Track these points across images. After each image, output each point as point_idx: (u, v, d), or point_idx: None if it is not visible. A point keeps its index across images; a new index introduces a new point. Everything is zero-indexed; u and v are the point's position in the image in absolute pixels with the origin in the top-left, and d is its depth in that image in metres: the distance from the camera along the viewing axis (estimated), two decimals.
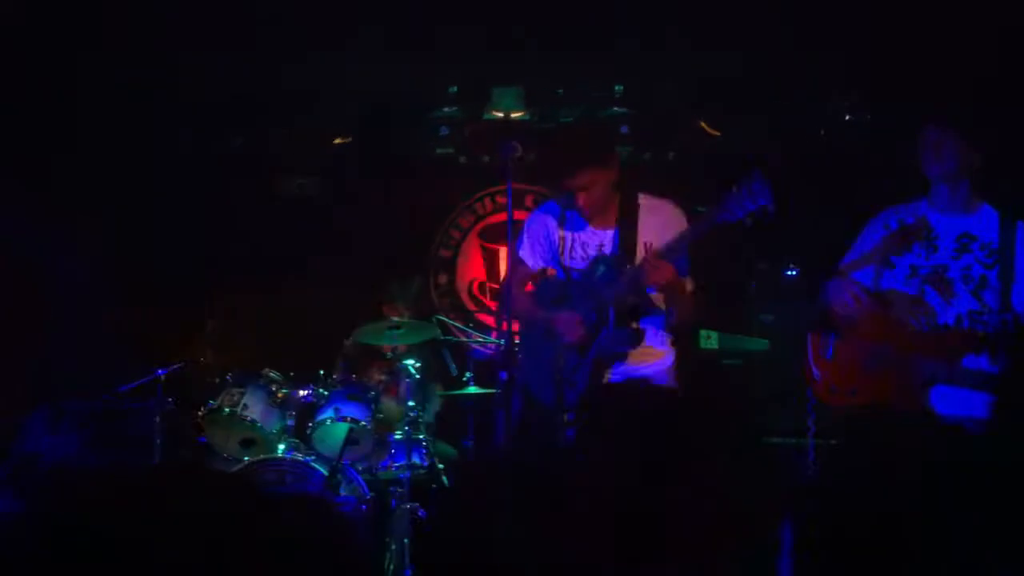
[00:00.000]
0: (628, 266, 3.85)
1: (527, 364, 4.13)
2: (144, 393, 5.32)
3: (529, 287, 4.33)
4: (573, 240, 4.08)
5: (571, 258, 4.07)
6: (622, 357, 3.88)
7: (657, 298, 3.96)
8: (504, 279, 4.44)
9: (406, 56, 6.25)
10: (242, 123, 6.97)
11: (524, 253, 4.25)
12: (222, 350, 5.80)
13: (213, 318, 5.66)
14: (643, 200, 4.05)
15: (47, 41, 5.22)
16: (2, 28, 4.97)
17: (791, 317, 5.35)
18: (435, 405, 6.06)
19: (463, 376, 5.91)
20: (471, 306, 7.55)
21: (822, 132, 6.67)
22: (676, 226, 3.91)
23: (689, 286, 3.92)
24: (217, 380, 5.57)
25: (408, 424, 5.35)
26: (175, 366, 5.47)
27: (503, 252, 7.49)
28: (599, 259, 3.98)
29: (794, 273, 6.19)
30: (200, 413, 5.38)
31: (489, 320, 7.42)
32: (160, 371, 5.34)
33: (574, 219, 4.08)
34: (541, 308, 4.09)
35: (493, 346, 6.76)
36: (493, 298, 7.54)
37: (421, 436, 5.42)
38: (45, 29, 5.14)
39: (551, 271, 4.21)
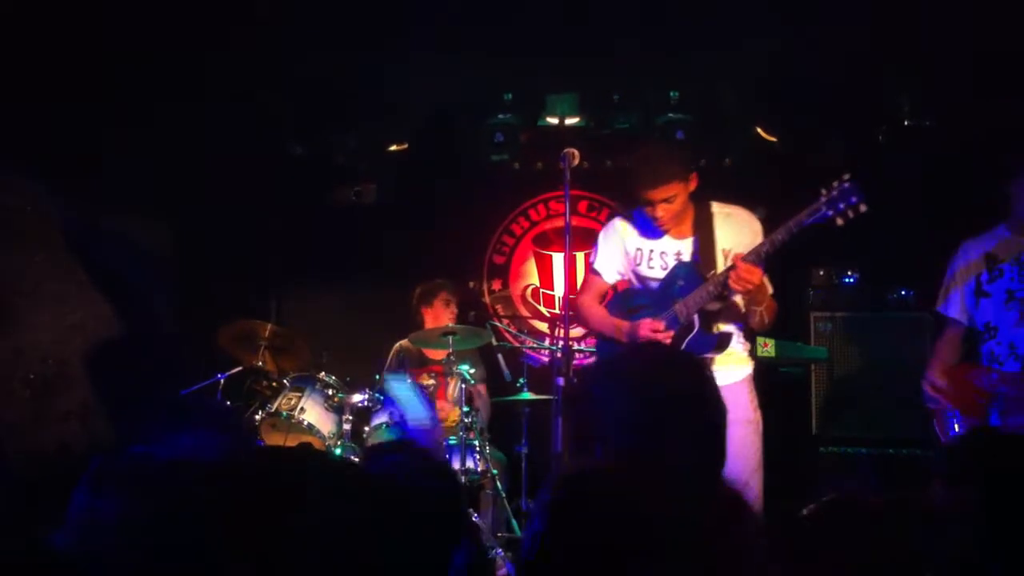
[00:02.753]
0: (711, 272, 3.87)
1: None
2: (205, 397, 5.40)
3: (607, 296, 4.36)
4: (651, 250, 4.10)
5: (649, 268, 4.09)
6: (708, 363, 3.86)
7: (735, 304, 3.97)
8: (576, 291, 4.44)
9: (461, 63, 6.27)
10: (300, 130, 7.04)
11: (599, 265, 4.26)
12: (280, 354, 5.86)
13: (272, 323, 5.70)
14: (716, 208, 4.06)
15: (100, 40, 5.29)
16: (42, 28, 5.05)
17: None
18: (485, 411, 6.08)
19: (516, 382, 5.91)
20: (524, 312, 7.55)
21: (880, 138, 6.57)
22: (750, 231, 3.96)
23: (770, 289, 3.92)
24: (275, 384, 5.64)
25: (462, 429, 5.37)
26: (234, 370, 5.55)
27: (557, 258, 7.50)
28: (679, 266, 4.00)
29: (852, 280, 6.11)
30: (258, 417, 5.45)
31: (543, 326, 7.42)
32: (220, 375, 5.43)
33: (650, 229, 4.09)
34: (619, 318, 4.10)
35: (547, 352, 6.76)
36: (546, 304, 7.54)
37: (475, 441, 5.44)
38: (97, 29, 5.20)
39: (625, 283, 4.26)
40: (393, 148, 7.24)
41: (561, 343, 4.45)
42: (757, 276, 3.67)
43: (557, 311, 7.37)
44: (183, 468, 1.91)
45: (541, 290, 7.56)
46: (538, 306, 7.54)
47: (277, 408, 5.39)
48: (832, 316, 5.98)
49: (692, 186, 3.97)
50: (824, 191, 3.61)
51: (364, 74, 6.45)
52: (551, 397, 5.20)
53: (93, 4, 5.07)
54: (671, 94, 6.78)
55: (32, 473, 4.99)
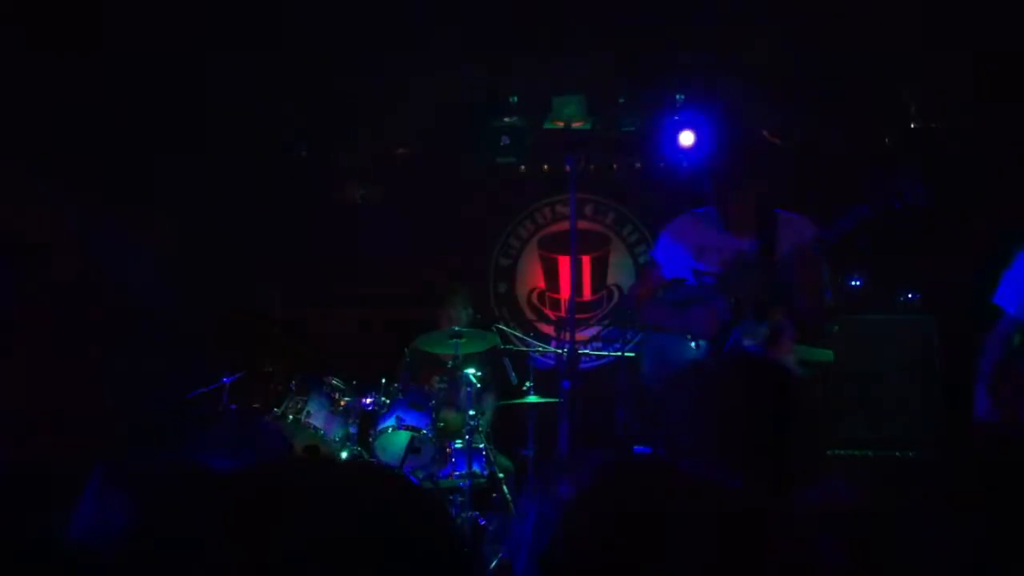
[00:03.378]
0: (771, 265, 3.98)
1: (652, 364, 4.20)
2: (210, 400, 5.42)
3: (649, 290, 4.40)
4: (711, 247, 4.18)
5: (708, 263, 4.16)
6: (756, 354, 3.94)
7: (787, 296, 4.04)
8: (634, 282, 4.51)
9: (468, 66, 6.28)
10: (306, 132, 7.05)
11: (659, 256, 4.35)
12: (285, 358, 5.86)
13: (277, 326, 5.71)
14: (780, 213, 4.17)
15: (103, 39, 5.30)
16: (43, 27, 5.07)
17: None
18: (489, 414, 6.07)
19: (523, 385, 5.91)
20: (530, 315, 7.55)
21: (887, 140, 6.57)
22: (809, 238, 4.04)
23: (826, 285, 4.07)
24: (280, 388, 5.65)
25: (468, 433, 5.37)
26: (239, 374, 5.56)
27: (563, 261, 7.50)
28: (738, 260, 4.08)
29: (859, 283, 6.11)
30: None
31: (548, 329, 7.42)
32: (225, 379, 5.43)
33: (714, 225, 4.19)
34: (669, 308, 4.17)
35: (553, 355, 6.76)
36: (552, 307, 7.54)
37: (482, 445, 5.45)
38: (99, 27, 5.22)
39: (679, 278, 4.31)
40: (400, 151, 7.25)
41: (567, 346, 4.46)
42: (818, 269, 3.85)
43: (562, 314, 7.37)
44: (188, 472, 1.92)
45: (547, 293, 7.56)
46: (544, 309, 7.54)
47: (283, 411, 5.39)
48: (838, 319, 5.96)
49: (764, 188, 4.12)
50: (885, 183, 3.73)
51: (371, 75, 6.46)
52: (557, 400, 5.20)
53: (96, 2, 5.10)
54: (677, 96, 6.78)
55: (34, 474, 5.00)
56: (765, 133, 6.64)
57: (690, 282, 4.21)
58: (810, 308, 4.03)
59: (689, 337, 4.04)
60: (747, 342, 3.94)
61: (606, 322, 7.22)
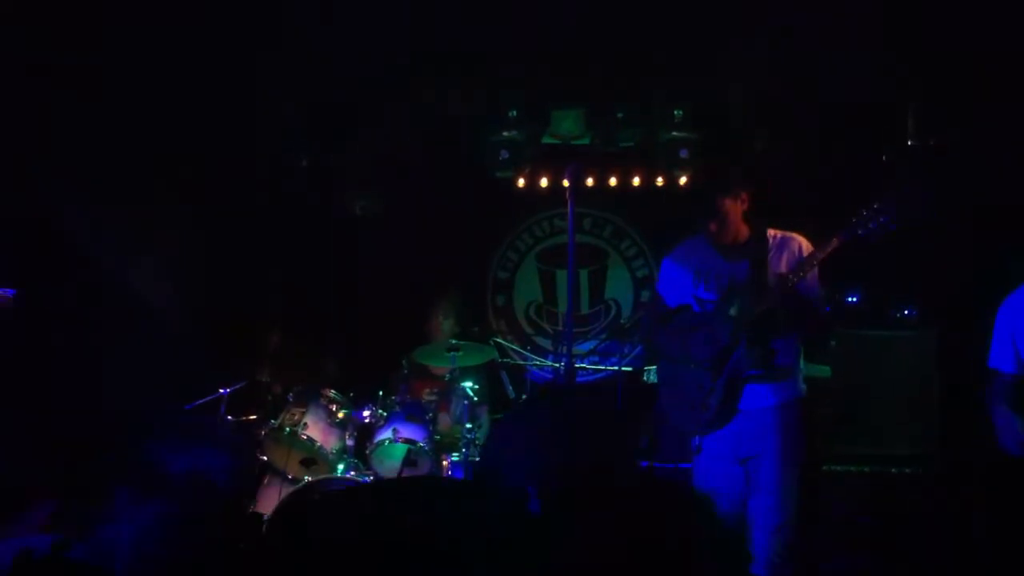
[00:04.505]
0: (762, 292, 3.97)
1: (665, 392, 4.29)
2: (208, 411, 5.42)
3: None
4: (708, 273, 4.21)
5: (707, 290, 4.20)
6: (755, 379, 4.00)
7: (782, 320, 4.05)
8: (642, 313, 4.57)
9: (467, 79, 6.30)
10: (304, 144, 7.07)
11: (661, 288, 4.40)
12: (283, 370, 5.86)
13: (275, 337, 5.71)
14: (771, 234, 4.18)
15: (105, 40, 5.32)
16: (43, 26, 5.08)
17: None
18: (486, 427, 6.07)
19: (520, 398, 5.92)
20: (528, 328, 7.56)
21: (884, 158, 6.58)
22: (803, 258, 4.07)
23: (822, 305, 4.11)
24: (278, 399, 5.65)
25: (464, 445, 5.37)
26: (238, 385, 5.56)
27: (560, 275, 7.51)
28: (732, 287, 4.11)
29: (855, 299, 6.12)
30: (261, 432, 5.45)
31: (546, 342, 7.43)
32: (224, 390, 5.44)
33: (710, 253, 4.22)
34: (674, 335, 4.23)
35: (550, 368, 6.77)
36: (550, 320, 7.54)
37: (478, 458, 5.44)
38: (99, 28, 5.24)
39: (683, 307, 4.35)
40: (399, 163, 7.26)
41: (564, 360, 4.47)
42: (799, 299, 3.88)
43: (560, 327, 7.38)
44: (203, 481, 1.95)
45: (545, 306, 7.56)
46: (541, 322, 7.55)
47: (280, 423, 5.38)
48: (835, 334, 5.97)
49: (743, 206, 4.12)
50: (864, 208, 3.72)
51: (371, 88, 6.48)
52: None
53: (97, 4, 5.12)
54: (675, 112, 6.80)
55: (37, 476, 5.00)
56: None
57: (695, 309, 4.24)
58: (809, 326, 4.07)
59: (693, 365, 4.07)
60: (746, 366, 3.96)
61: (603, 336, 7.23)
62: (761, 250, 4.12)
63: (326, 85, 6.43)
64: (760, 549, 3.87)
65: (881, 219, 3.67)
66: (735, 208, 4.09)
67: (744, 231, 4.15)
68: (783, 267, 4.04)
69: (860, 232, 3.70)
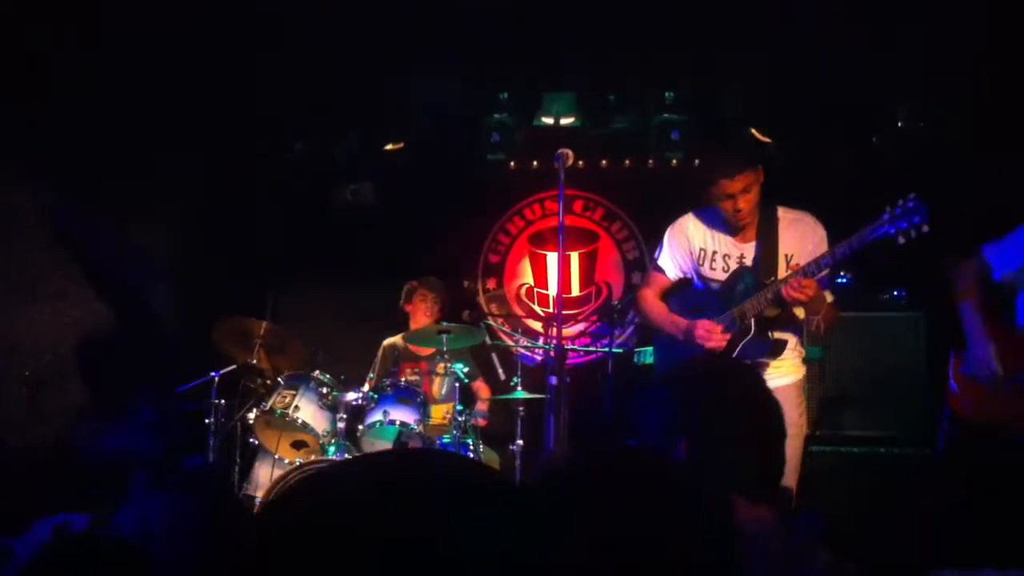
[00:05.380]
0: (772, 278, 3.92)
1: (662, 370, 4.27)
2: (198, 394, 5.42)
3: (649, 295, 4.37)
4: (714, 251, 4.13)
5: (711, 269, 4.13)
6: (761, 367, 3.94)
7: (792, 311, 4.03)
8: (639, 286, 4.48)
9: (458, 63, 6.29)
10: (296, 130, 7.05)
11: (663, 262, 4.29)
12: (275, 353, 5.87)
13: (267, 321, 5.71)
14: (781, 213, 4.09)
15: (98, 38, 5.31)
16: (38, 26, 5.07)
17: None
18: (476, 408, 6.09)
19: (510, 381, 5.93)
20: (519, 311, 7.57)
21: (874, 139, 6.60)
22: (814, 238, 4.00)
23: (829, 297, 3.99)
24: (269, 382, 5.66)
25: (456, 428, 5.39)
26: (229, 368, 5.57)
27: (552, 257, 7.51)
28: (741, 270, 4.05)
29: (845, 280, 6.13)
30: (252, 415, 5.46)
31: (537, 325, 7.45)
32: (214, 373, 5.44)
33: (717, 227, 4.14)
34: (680, 316, 4.16)
35: (541, 351, 6.78)
36: (540, 303, 7.55)
37: (469, 440, 5.46)
38: (95, 27, 5.22)
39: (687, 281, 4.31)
40: (389, 147, 7.25)
41: (555, 342, 4.48)
42: (811, 289, 3.72)
43: (551, 310, 7.39)
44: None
45: (535, 289, 7.57)
46: (532, 305, 7.56)
47: (271, 406, 5.39)
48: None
49: (761, 178, 4.01)
50: (888, 208, 3.62)
51: (361, 74, 6.46)
52: (544, 396, 5.23)
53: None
54: (667, 95, 6.81)
55: (31, 469, 5.01)
56: (753, 131, 6.66)
57: (696, 287, 4.21)
58: (812, 320, 4.00)
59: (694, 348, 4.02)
60: (755, 354, 3.94)
61: (594, 318, 7.25)
62: (772, 229, 4.06)
63: (317, 73, 6.41)
64: None
65: (914, 219, 3.55)
66: (757, 181, 3.97)
67: (756, 210, 4.05)
68: (791, 247, 3.98)
69: (891, 230, 3.58)
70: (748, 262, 4.07)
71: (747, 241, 4.09)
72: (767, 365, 3.98)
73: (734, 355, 3.94)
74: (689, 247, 4.20)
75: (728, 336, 3.94)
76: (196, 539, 1.99)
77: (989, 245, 4.14)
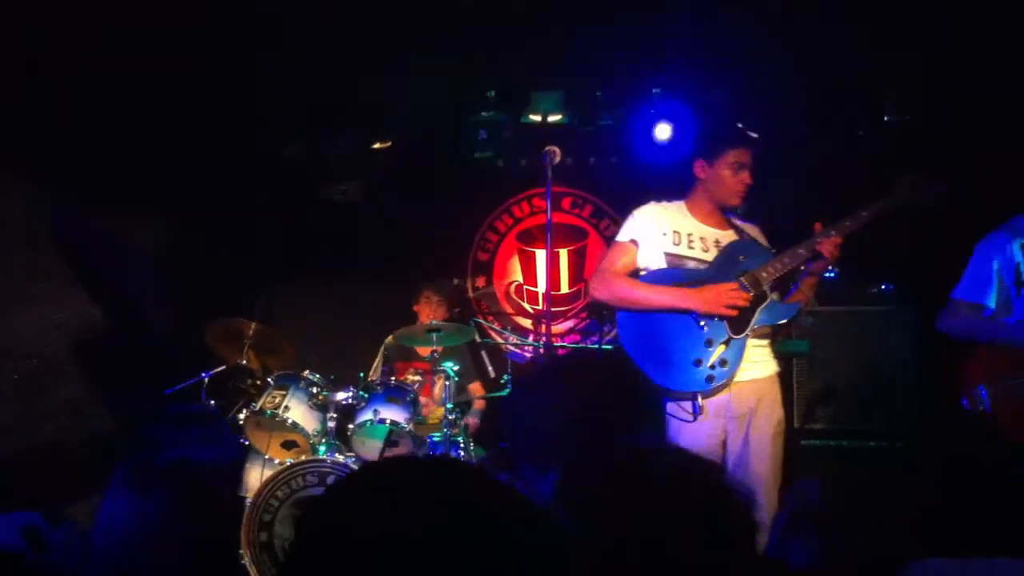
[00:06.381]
0: (800, 242, 4.04)
1: (643, 351, 4.05)
2: (188, 395, 5.41)
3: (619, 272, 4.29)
4: (689, 233, 4.18)
5: (690, 248, 4.15)
6: (757, 344, 4.07)
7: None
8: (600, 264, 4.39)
9: (445, 60, 6.28)
10: (283, 129, 7.04)
11: (639, 234, 4.23)
12: (265, 353, 5.86)
13: (256, 321, 5.70)
14: (734, 219, 4.30)
15: (92, 37, 5.30)
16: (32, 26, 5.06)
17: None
18: (473, 408, 6.10)
19: (500, 378, 5.94)
20: (508, 309, 7.57)
21: (860, 133, 6.61)
22: (763, 237, 4.24)
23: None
24: (259, 382, 5.64)
25: (447, 426, 5.39)
26: (219, 368, 5.55)
27: (540, 255, 7.52)
28: (740, 243, 4.15)
29: (833, 274, 6.15)
30: (242, 415, 5.44)
31: (526, 322, 7.45)
32: (204, 374, 5.43)
33: (685, 216, 4.24)
34: (664, 288, 4.08)
35: (530, 348, 6.78)
36: (530, 301, 7.56)
37: (460, 438, 5.46)
38: (87, 25, 5.21)
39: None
40: (377, 146, 7.24)
41: (544, 339, 4.49)
42: (836, 247, 3.94)
43: (541, 307, 7.39)
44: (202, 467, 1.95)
45: (525, 287, 7.58)
46: (522, 303, 7.56)
47: (261, 406, 5.38)
48: (813, 310, 6.00)
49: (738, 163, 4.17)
50: (909, 176, 3.96)
51: (349, 73, 6.45)
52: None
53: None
54: (654, 91, 6.81)
55: (21, 473, 4.99)
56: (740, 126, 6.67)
57: (671, 267, 4.16)
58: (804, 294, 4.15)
59: (701, 322, 3.99)
60: (770, 320, 4.02)
61: (584, 315, 7.25)
62: (735, 224, 4.23)
63: (303, 71, 6.40)
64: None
65: (937, 190, 3.86)
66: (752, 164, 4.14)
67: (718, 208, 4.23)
68: (761, 238, 4.16)
69: (909, 201, 3.89)
70: (724, 247, 4.15)
71: (721, 228, 4.19)
72: (755, 352, 4.05)
73: (752, 323, 3.99)
74: (663, 228, 4.20)
75: (751, 296, 3.96)
76: (160, 544, 1.93)
77: (962, 287, 4.23)
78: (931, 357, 5.45)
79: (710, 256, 4.12)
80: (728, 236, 4.16)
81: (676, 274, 4.10)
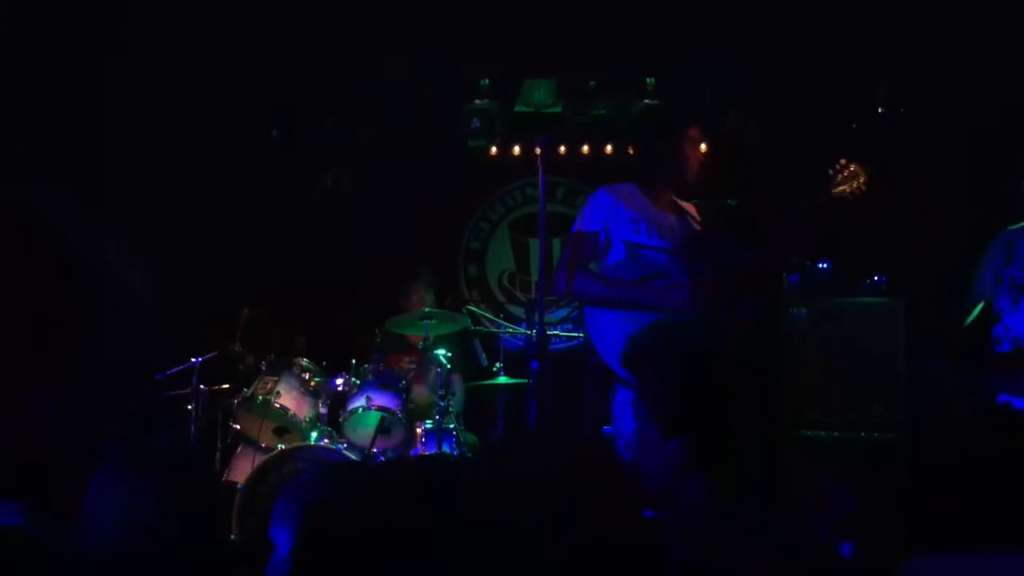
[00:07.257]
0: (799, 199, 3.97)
1: (611, 345, 3.82)
2: (179, 381, 5.39)
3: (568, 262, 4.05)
4: (647, 219, 3.98)
5: (649, 236, 3.95)
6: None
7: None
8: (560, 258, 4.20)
9: (438, 49, 6.27)
10: (275, 118, 7.02)
11: (597, 226, 4.01)
12: (256, 339, 5.84)
13: (247, 307, 5.69)
14: (679, 201, 4.15)
15: (77, 40, 5.29)
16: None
17: None
18: (460, 395, 6.09)
19: (493, 366, 5.94)
20: (501, 297, 7.58)
21: (853, 125, 6.62)
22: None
23: None
24: (251, 368, 5.64)
25: (438, 413, 5.39)
26: (210, 355, 5.54)
27: (533, 244, 7.51)
28: (698, 234, 4.01)
29: (825, 266, 6.16)
30: (234, 402, 5.44)
31: (519, 311, 7.45)
32: (195, 360, 5.41)
33: (639, 201, 4.05)
34: (631, 284, 3.87)
35: (523, 336, 6.79)
36: (522, 289, 7.56)
37: (451, 425, 5.47)
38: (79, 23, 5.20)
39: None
40: (370, 134, 7.22)
41: (536, 327, 4.48)
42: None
43: (533, 295, 7.39)
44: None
45: (518, 276, 7.58)
46: (514, 291, 7.57)
47: (253, 393, 5.38)
48: (806, 302, 6.01)
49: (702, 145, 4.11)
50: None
51: (341, 61, 6.44)
52: (527, 381, 5.23)
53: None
54: (648, 81, 6.80)
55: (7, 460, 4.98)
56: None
57: (642, 256, 3.95)
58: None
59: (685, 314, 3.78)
60: (751, 308, 3.87)
61: (575, 304, 7.25)
62: (687, 209, 4.10)
63: (294, 61, 6.38)
64: None
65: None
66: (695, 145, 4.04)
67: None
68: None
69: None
70: (677, 232, 3.98)
71: (677, 214, 4.06)
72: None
73: (735, 311, 3.82)
74: (619, 215, 4.00)
75: (724, 292, 3.86)
76: (149, 528, 1.92)
77: None
78: (922, 347, 5.47)
79: (669, 242, 3.95)
80: (676, 222, 4.05)
81: (631, 268, 3.92)
